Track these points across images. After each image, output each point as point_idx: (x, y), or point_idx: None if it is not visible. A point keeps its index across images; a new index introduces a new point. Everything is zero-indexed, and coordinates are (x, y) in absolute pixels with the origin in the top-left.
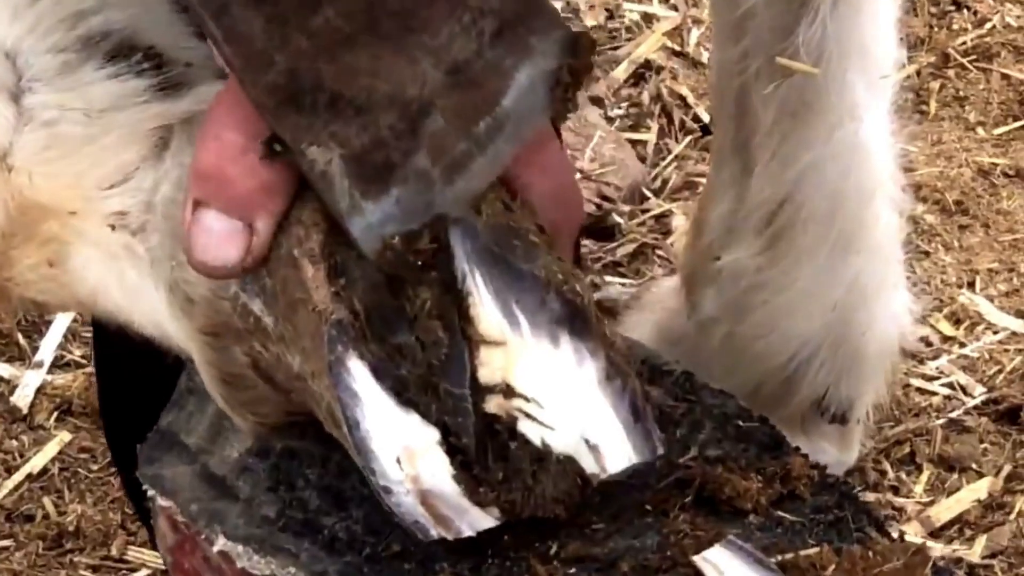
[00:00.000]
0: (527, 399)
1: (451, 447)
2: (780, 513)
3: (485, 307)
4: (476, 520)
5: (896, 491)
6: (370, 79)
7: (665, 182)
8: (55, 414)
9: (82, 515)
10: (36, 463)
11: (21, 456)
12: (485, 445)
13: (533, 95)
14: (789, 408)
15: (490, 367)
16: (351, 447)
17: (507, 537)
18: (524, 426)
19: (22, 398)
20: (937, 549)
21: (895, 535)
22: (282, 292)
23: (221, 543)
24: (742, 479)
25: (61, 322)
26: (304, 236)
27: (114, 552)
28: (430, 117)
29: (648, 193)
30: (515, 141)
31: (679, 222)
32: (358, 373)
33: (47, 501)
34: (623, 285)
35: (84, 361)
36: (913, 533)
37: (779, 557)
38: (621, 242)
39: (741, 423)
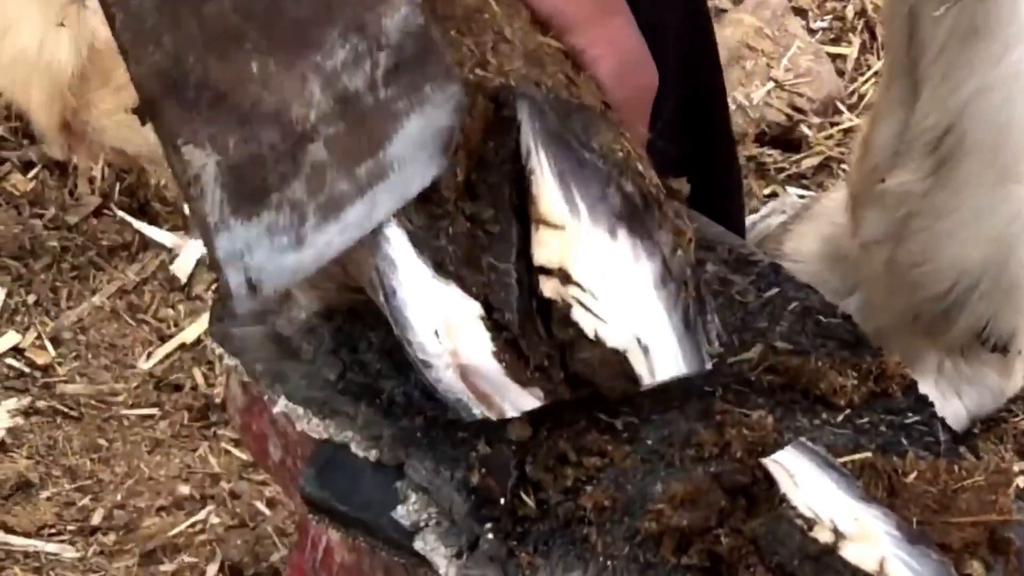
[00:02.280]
0: (583, 288)
1: (494, 323)
2: (867, 413)
3: (547, 187)
4: (519, 400)
5: None
6: (258, 88)
7: (861, 97)
8: (214, 285)
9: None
10: (189, 334)
11: (175, 325)
12: (533, 321)
13: (422, 149)
14: (949, 336)
15: (548, 249)
16: (389, 316)
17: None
18: (578, 314)
19: (182, 267)
20: None
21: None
22: None
23: (282, 404)
24: (838, 375)
25: None
26: None
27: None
28: (313, 144)
29: (842, 107)
30: (397, 196)
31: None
32: (396, 241)
33: (197, 372)
34: (801, 197)
35: None
36: None
37: (859, 456)
38: (807, 154)
39: (823, 318)
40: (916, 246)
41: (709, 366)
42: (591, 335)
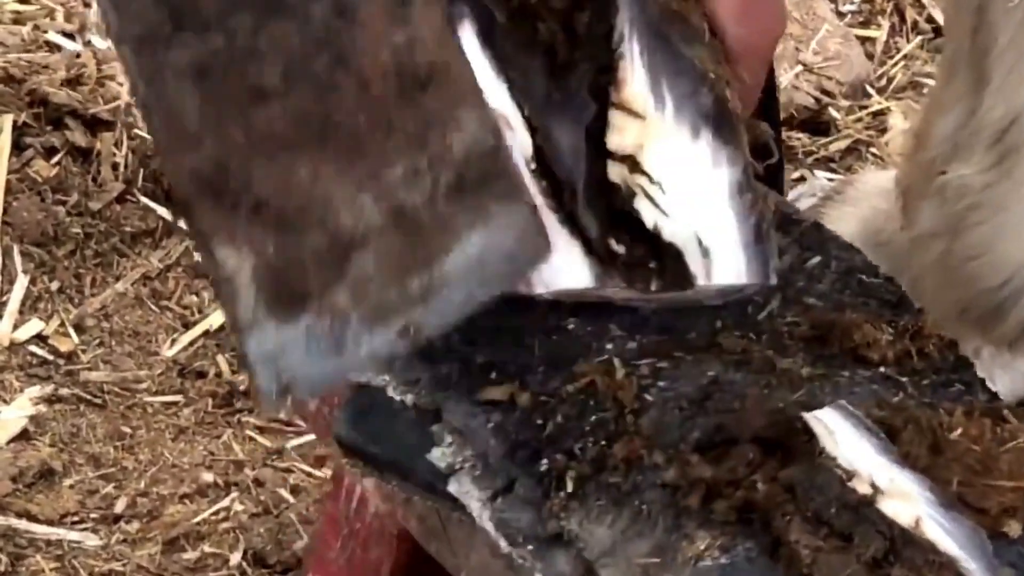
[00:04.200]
0: (651, 179)
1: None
2: (903, 371)
3: (635, 75)
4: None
5: None
6: (304, 195)
7: (890, 80)
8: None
9: None
10: (214, 320)
11: (199, 312)
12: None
13: (481, 269)
14: (1000, 330)
15: (622, 135)
16: None
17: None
18: (640, 204)
19: None
20: None
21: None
22: None
23: None
24: (873, 328)
25: None
26: None
27: (282, 414)
28: (360, 254)
29: (871, 91)
30: (452, 311)
31: (896, 121)
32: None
33: (221, 359)
34: (829, 180)
35: None
36: None
37: (902, 410)
38: (835, 137)
39: (865, 277)
40: (974, 239)
41: (774, 280)
42: (650, 226)
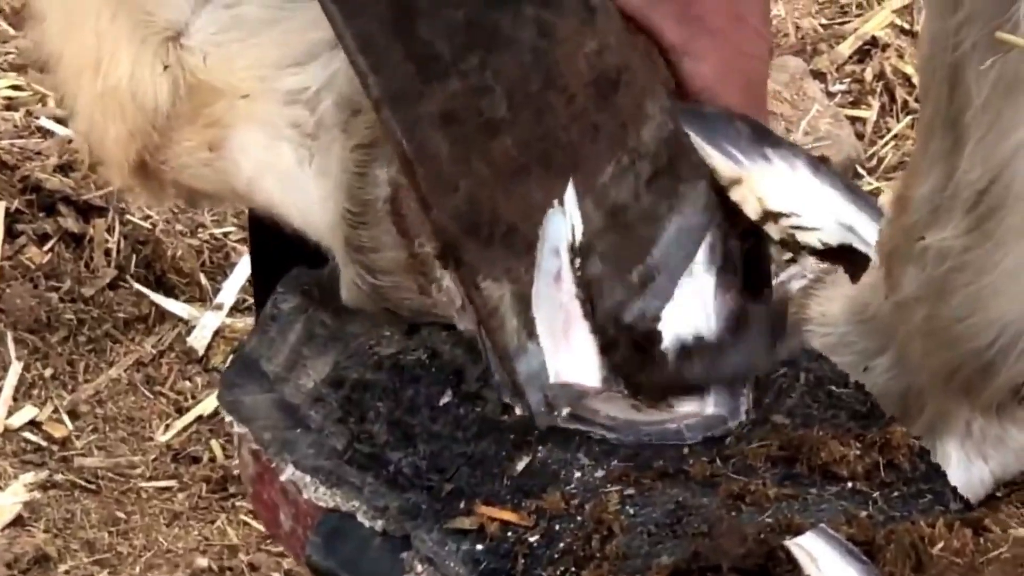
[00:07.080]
0: (787, 215)
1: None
2: (873, 484)
3: (711, 155)
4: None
5: None
6: (541, 214)
7: (880, 161)
8: (231, 357)
9: None
10: (207, 405)
11: (193, 397)
12: None
13: (679, 248)
14: (987, 393)
15: (747, 203)
16: None
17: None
18: (803, 237)
19: (199, 339)
20: None
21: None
22: None
23: (290, 472)
24: (840, 444)
25: (245, 265)
26: None
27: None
28: (590, 260)
29: (862, 171)
30: (662, 297)
31: (887, 201)
32: None
33: (215, 444)
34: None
35: None
36: None
37: (882, 528)
38: None
39: (835, 388)
40: (957, 301)
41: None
42: (819, 246)
